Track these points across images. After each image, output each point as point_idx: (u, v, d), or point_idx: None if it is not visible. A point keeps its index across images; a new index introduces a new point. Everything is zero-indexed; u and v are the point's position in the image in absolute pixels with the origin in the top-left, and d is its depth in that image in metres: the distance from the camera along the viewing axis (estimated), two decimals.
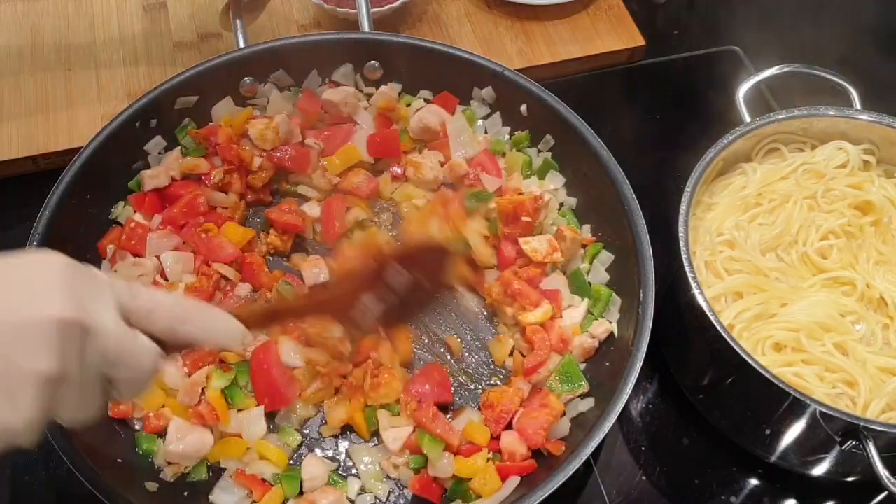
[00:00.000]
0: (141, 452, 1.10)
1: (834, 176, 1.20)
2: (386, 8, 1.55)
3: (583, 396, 1.13)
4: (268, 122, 1.32)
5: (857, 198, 1.18)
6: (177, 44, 1.58)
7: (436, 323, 1.24)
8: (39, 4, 1.63)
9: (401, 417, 1.13)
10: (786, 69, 1.27)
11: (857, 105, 1.23)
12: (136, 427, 1.13)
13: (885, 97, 1.31)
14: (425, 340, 1.23)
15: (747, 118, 1.22)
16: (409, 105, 1.40)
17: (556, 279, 1.23)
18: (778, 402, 0.99)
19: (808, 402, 0.96)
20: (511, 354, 1.20)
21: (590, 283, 1.23)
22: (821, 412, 0.97)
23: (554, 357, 1.15)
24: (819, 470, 1.10)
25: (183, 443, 1.09)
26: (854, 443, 0.97)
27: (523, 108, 1.34)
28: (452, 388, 1.17)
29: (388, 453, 1.11)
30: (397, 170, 1.36)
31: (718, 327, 1.01)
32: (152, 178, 1.29)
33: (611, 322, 1.18)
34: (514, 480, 1.06)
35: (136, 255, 1.24)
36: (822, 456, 1.07)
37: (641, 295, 1.11)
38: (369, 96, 1.42)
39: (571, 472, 0.98)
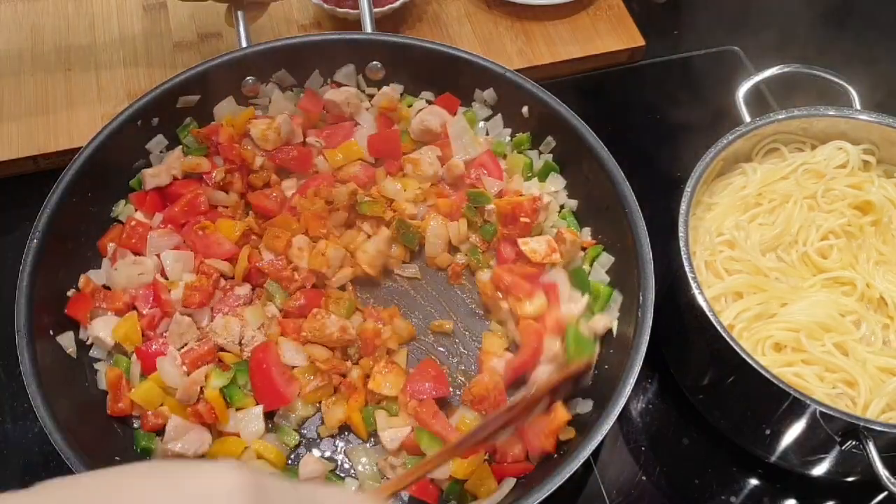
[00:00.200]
0: (139, 451, 1.10)
1: (834, 176, 1.20)
2: (386, 8, 1.55)
3: (583, 396, 1.13)
4: (269, 123, 1.32)
5: (857, 198, 1.18)
6: (177, 44, 1.58)
7: (430, 316, 1.24)
8: (39, 4, 1.63)
9: (398, 418, 1.13)
10: (786, 69, 1.27)
11: (857, 105, 1.23)
12: (135, 425, 1.13)
13: (885, 97, 1.31)
14: (421, 338, 1.23)
15: (747, 118, 1.22)
16: (410, 106, 1.40)
17: (555, 274, 1.23)
18: (778, 402, 0.99)
19: (808, 402, 0.96)
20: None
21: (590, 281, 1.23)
22: (821, 412, 0.96)
23: (549, 346, 1.14)
24: (819, 470, 1.10)
25: (181, 441, 1.09)
26: (854, 443, 0.97)
27: (525, 109, 1.34)
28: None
29: (385, 454, 1.11)
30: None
31: (718, 327, 1.01)
32: (153, 176, 1.29)
33: (611, 319, 1.18)
34: (509, 482, 1.06)
35: (136, 253, 1.24)
36: (822, 456, 1.07)
37: (641, 295, 1.10)
38: (371, 97, 1.42)
39: (570, 473, 0.97)
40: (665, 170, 1.44)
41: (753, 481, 1.17)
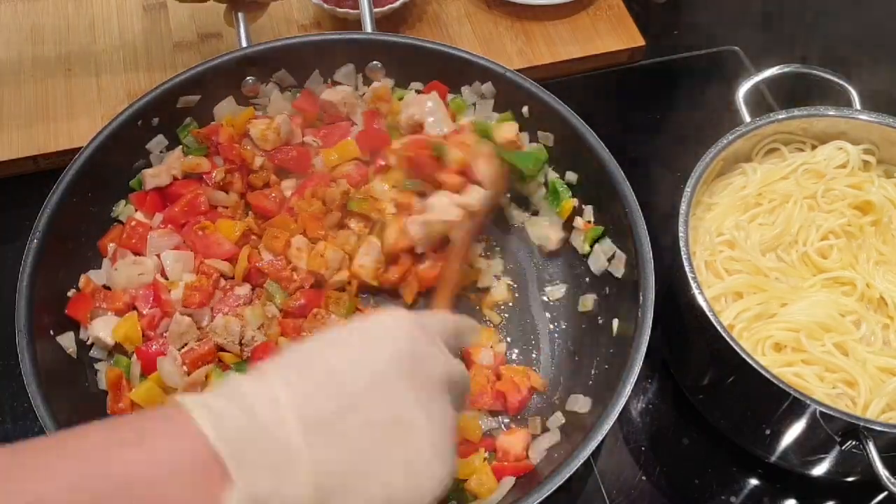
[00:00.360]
0: None
1: (834, 176, 1.20)
2: (386, 8, 1.55)
3: (584, 394, 1.13)
4: (269, 123, 1.32)
5: (857, 198, 1.18)
6: (177, 44, 1.58)
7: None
8: (39, 4, 1.63)
9: None
10: (786, 69, 1.27)
11: (857, 105, 1.23)
12: None
13: (885, 97, 1.31)
14: None
15: (747, 118, 1.22)
16: (401, 99, 1.40)
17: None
18: (778, 402, 0.99)
19: (808, 402, 0.96)
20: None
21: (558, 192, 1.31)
22: (821, 412, 0.96)
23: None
24: (819, 470, 1.10)
25: None
26: (854, 443, 0.97)
27: (525, 109, 1.34)
28: None
29: None
30: (382, 162, 1.35)
31: (718, 327, 1.01)
32: (154, 176, 1.29)
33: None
34: (509, 481, 1.06)
35: (136, 253, 1.24)
36: (822, 456, 1.07)
37: (641, 295, 1.10)
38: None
39: (570, 473, 0.97)
40: (665, 170, 1.44)
41: (753, 481, 1.17)
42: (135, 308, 1.19)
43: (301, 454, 0.61)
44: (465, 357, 1.20)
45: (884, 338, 1.09)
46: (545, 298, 1.28)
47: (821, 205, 1.18)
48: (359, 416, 0.65)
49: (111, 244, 1.24)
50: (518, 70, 1.37)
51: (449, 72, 1.37)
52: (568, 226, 1.31)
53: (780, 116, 1.21)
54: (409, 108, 1.36)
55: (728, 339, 1.00)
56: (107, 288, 1.22)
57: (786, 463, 1.13)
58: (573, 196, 1.31)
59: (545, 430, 1.13)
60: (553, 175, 1.34)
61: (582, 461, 0.98)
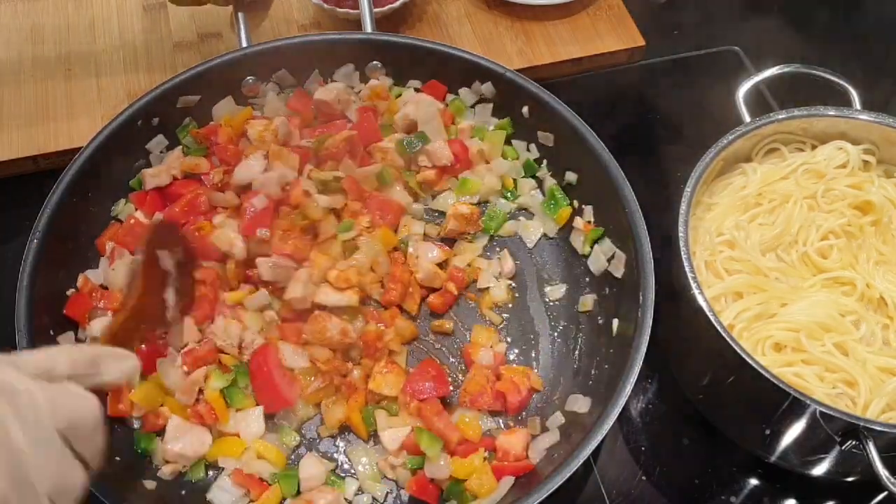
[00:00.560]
0: (139, 451, 1.10)
1: (834, 176, 1.20)
2: (386, 8, 1.55)
3: (584, 394, 1.13)
4: (266, 124, 1.32)
5: (857, 198, 1.18)
6: (177, 44, 1.58)
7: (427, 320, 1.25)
8: (39, 4, 1.63)
9: (399, 418, 1.13)
10: (786, 69, 1.27)
11: (857, 105, 1.23)
12: (135, 426, 1.13)
13: (885, 97, 1.31)
14: (421, 338, 1.23)
15: (747, 118, 1.22)
16: (399, 97, 1.40)
17: None
18: (778, 402, 0.99)
19: (808, 402, 0.96)
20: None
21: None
22: (821, 412, 0.96)
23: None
24: (819, 470, 1.10)
25: (181, 442, 1.09)
26: (854, 443, 0.97)
27: (525, 109, 1.34)
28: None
29: (385, 454, 1.11)
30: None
31: (718, 327, 1.01)
32: (153, 176, 1.29)
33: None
34: (509, 481, 1.06)
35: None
36: (822, 456, 1.06)
37: (641, 295, 1.11)
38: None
39: (570, 473, 0.97)
40: (665, 170, 1.44)
41: (753, 481, 1.17)
42: None
43: None
44: (465, 357, 1.20)
45: (884, 338, 1.09)
46: (545, 299, 1.28)
47: (821, 205, 1.18)
48: None
49: (109, 242, 1.24)
50: (518, 70, 1.37)
51: (449, 72, 1.38)
52: (567, 226, 1.31)
53: (780, 116, 1.21)
54: (407, 106, 1.36)
55: (728, 339, 1.00)
56: (104, 288, 1.22)
57: (786, 463, 1.13)
58: (573, 196, 1.31)
59: (545, 430, 1.13)
60: (551, 181, 1.34)
61: (582, 461, 0.98)
